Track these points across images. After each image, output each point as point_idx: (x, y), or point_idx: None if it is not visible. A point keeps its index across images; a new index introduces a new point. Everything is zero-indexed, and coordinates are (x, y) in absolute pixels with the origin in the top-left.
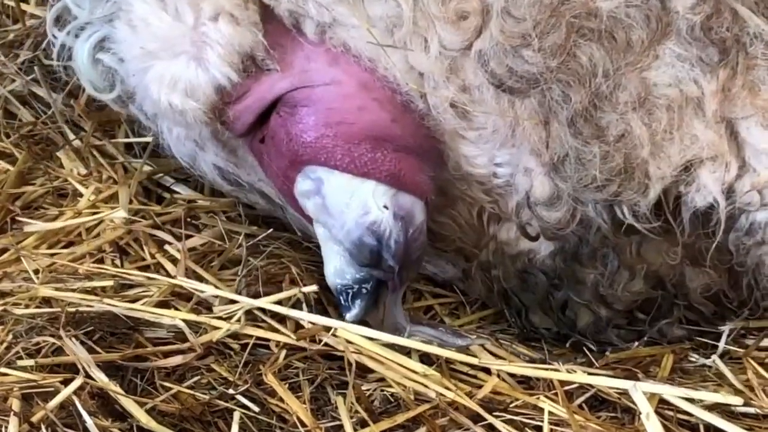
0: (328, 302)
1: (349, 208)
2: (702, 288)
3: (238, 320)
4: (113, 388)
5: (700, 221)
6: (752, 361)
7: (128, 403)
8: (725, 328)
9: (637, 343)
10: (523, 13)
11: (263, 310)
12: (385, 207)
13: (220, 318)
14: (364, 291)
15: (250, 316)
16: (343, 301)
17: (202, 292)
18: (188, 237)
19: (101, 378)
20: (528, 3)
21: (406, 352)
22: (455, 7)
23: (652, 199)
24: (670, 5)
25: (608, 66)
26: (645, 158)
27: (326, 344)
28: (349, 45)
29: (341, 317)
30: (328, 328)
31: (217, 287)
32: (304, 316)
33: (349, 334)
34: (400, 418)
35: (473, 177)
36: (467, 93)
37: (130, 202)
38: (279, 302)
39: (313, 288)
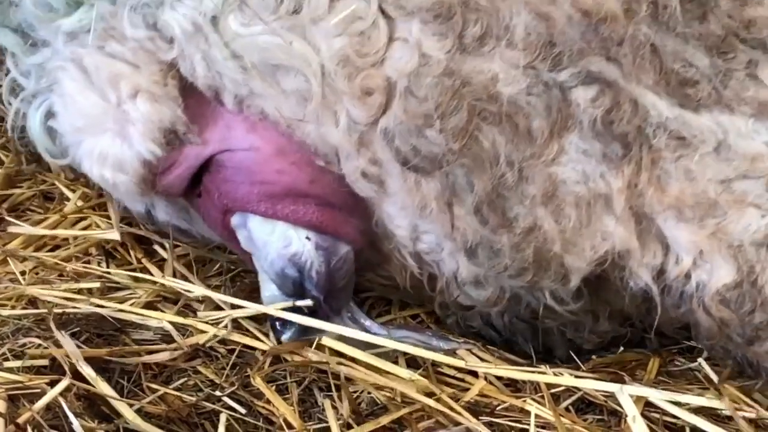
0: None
1: (271, 240)
2: (671, 322)
3: (225, 326)
4: (100, 384)
5: (640, 296)
6: (728, 386)
7: (115, 404)
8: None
9: (622, 347)
10: (425, 94)
11: (249, 318)
12: (308, 238)
13: (207, 322)
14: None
15: (237, 323)
16: (278, 326)
17: (189, 292)
18: (175, 246)
19: (89, 373)
20: (430, 83)
21: (393, 359)
22: (360, 84)
23: (573, 286)
24: (570, 97)
25: (511, 154)
26: (558, 252)
27: (314, 351)
28: (267, 113)
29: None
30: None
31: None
32: (295, 318)
33: (338, 344)
34: (385, 420)
35: (397, 239)
36: (377, 166)
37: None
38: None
39: (308, 302)
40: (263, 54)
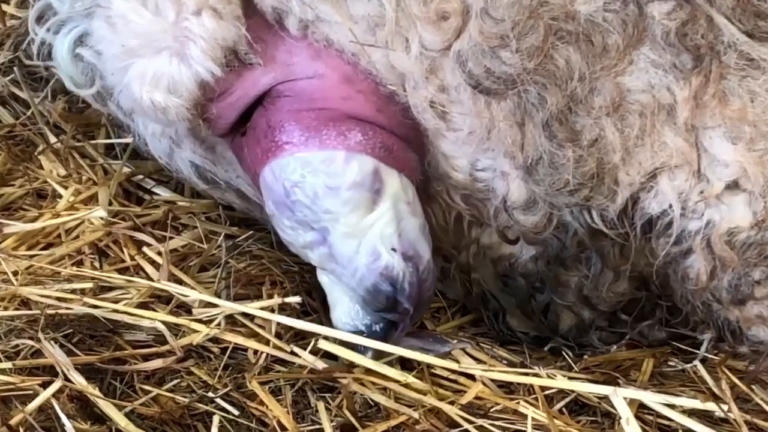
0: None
1: (358, 255)
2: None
3: (218, 324)
4: (92, 391)
5: (649, 228)
6: (726, 371)
7: (107, 406)
8: (705, 337)
9: (615, 347)
10: (501, 14)
11: (244, 315)
12: (393, 250)
13: (200, 321)
14: (375, 333)
15: (231, 318)
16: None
17: (184, 296)
18: (169, 238)
19: (80, 381)
20: (507, 4)
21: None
22: (436, 8)
23: (619, 204)
24: (646, 10)
25: (584, 69)
26: (616, 164)
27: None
28: (332, 40)
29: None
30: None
31: (197, 290)
32: (291, 322)
33: (332, 345)
34: (382, 427)
35: (451, 180)
36: (445, 93)
37: (110, 203)
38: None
39: (297, 299)
40: None
